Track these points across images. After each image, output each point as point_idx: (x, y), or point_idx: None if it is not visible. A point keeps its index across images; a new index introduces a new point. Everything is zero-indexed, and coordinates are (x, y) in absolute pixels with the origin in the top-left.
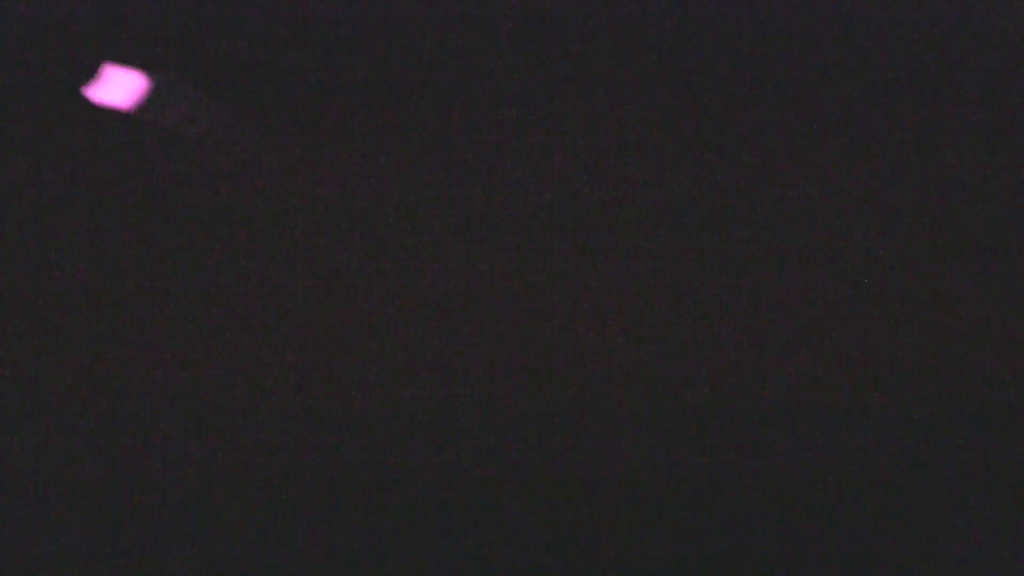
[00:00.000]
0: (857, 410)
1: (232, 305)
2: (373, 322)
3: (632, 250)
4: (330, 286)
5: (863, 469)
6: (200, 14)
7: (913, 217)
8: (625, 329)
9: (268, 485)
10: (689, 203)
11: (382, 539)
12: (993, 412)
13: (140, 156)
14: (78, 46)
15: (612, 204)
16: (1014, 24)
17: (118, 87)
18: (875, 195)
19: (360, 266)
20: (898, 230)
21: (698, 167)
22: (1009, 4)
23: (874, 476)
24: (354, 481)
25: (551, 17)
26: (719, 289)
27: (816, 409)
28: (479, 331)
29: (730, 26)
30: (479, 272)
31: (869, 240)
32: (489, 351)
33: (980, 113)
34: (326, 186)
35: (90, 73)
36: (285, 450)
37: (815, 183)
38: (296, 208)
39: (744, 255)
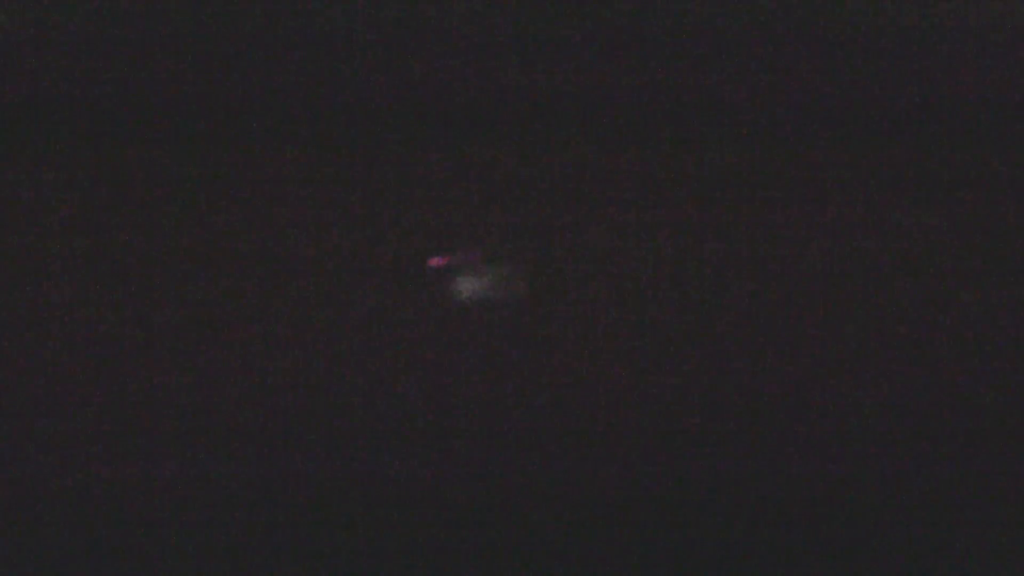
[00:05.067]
0: (856, 415)
1: (234, 307)
2: (373, 325)
3: (631, 256)
4: (330, 289)
5: (863, 473)
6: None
7: (916, 220)
8: (623, 336)
9: (268, 487)
10: (692, 207)
11: (381, 545)
12: (993, 413)
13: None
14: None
15: (613, 208)
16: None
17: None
18: (877, 200)
19: (361, 269)
20: (900, 234)
21: (700, 174)
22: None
23: (873, 479)
24: (352, 488)
25: (551, 20)
26: (719, 296)
27: (816, 417)
28: (476, 337)
29: (732, 29)
30: (477, 275)
31: (871, 246)
32: (487, 358)
33: (979, 116)
34: (328, 191)
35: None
36: (286, 453)
37: (819, 188)
38: (297, 213)
39: (746, 261)
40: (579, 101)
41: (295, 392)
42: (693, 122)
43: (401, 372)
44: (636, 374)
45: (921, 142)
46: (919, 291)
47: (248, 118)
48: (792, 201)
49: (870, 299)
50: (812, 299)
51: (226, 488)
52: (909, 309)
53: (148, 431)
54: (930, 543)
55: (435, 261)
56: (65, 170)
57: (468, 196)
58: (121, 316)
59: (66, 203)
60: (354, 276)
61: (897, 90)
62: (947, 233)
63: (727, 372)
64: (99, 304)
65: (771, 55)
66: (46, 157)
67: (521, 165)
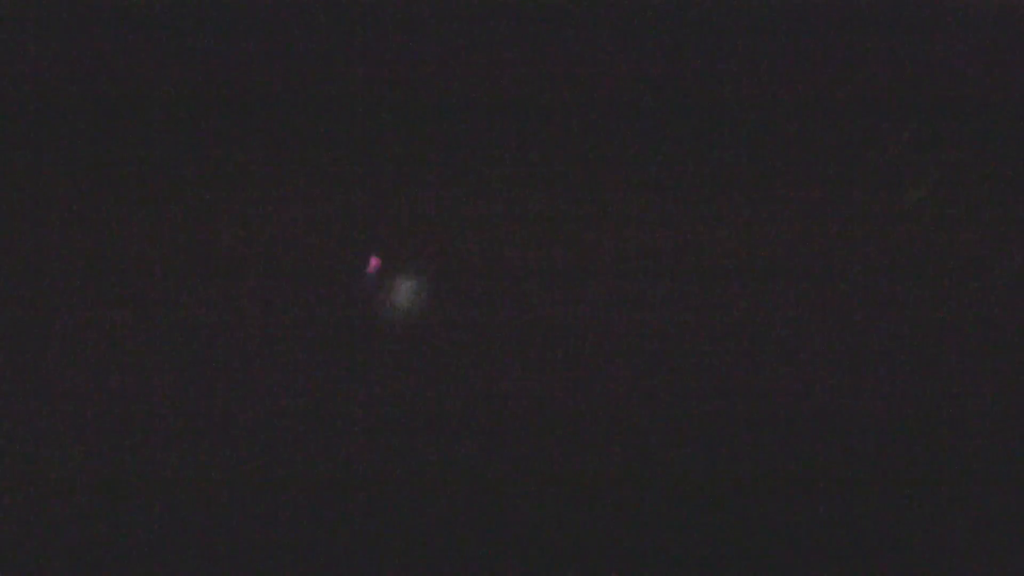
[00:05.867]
0: (860, 413)
1: (234, 305)
2: (374, 321)
3: (634, 251)
4: (329, 286)
5: (865, 472)
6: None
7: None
8: (626, 330)
9: (269, 488)
10: (692, 203)
11: (382, 540)
12: (993, 414)
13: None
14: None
15: (612, 204)
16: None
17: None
18: (877, 195)
19: (361, 265)
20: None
21: (702, 168)
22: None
23: (875, 478)
24: (354, 482)
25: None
26: (721, 290)
27: (820, 411)
28: (477, 331)
29: (732, 29)
30: (476, 270)
31: (872, 242)
32: (488, 350)
33: (979, 114)
34: (326, 188)
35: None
36: (286, 453)
37: (819, 182)
38: (296, 210)
39: (747, 255)
40: (577, 100)
41: (299, 393)
42: (694, 121)
43: (401, 370)
44: (634, 375)
45: (922, 141)
46: (919, 290)
47: (246, 116)
48: (793, 201)
49: (870, 299)
50: (812, 299)
51: (215, 488)
52: (909, 309)
53: (143, 430)
54: (930, 543)
55: (374, 263)
56: (63, 168)
57: (461, 194)
58: (118, 315)
59: (65, 202)
60: (354, 274)
61: (899, 87)
62: (947, 232)
63: (727, 373)
64: (97, 303)
65: (770, 54)
66: (45, 156)
67: (515, 165)
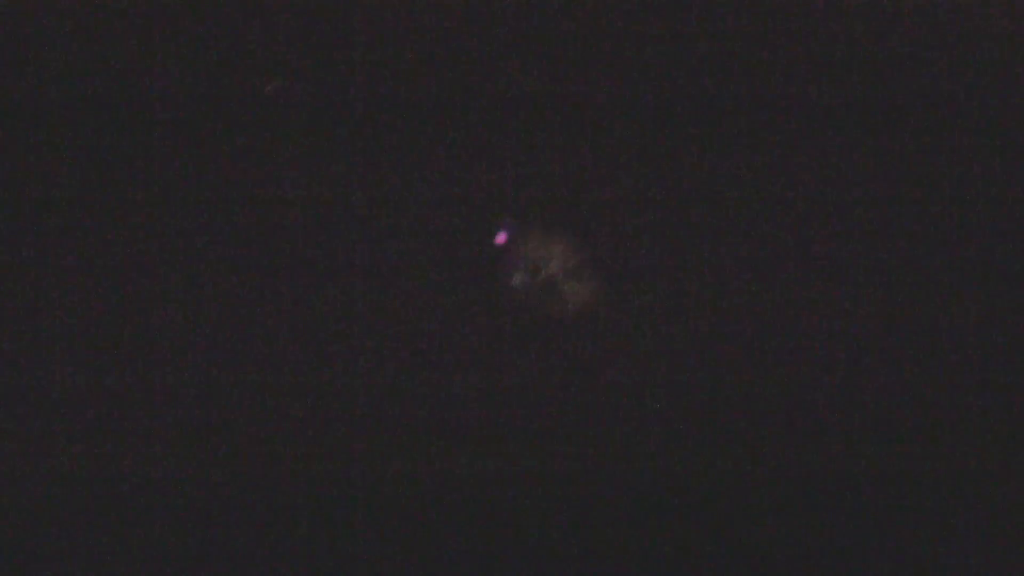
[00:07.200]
0: (857, 411)
1: (232, 305)
2: (372, 321)
3: (633, 247)
4: (329, 285)
5: (862, 471)
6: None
7: (913, 217)
8: (627, 329)
9: (269, 486)
10: (691, 202)
11: (382, 541)
12: (993, 412)
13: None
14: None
15: (611, 201)
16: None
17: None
18: (873, 194)
19: (359, 265)
20: (897, 230)
21: (701, 166)
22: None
23: (874, 477)
24: (354, 484)
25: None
26: (722, 288)
27: (817, 410)
28: (479, 331)
29: (731, 26)
30: (476, 269)
31: (868, 240)
32: (489, 349)
33: (980, 113)
34: (326, 186)
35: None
36: (285, 451)
37: (816, 182)
38: (296, 208)
39: (746, 254)
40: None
41: (301, 392)
42: (700, 121)
43: (399, 369)
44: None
45: (921, 141)
46: (918, 290)
47: (250, 116)
48: (799, 196)
49: (871, 300)
50: (815, 299)
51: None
52: (909, 309)
53: (147, 430)
54: (930, 543)
55: (500, 238)
56: (64, 168)
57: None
58: (120, 314)
59: (65, 201)
60: (352, 273)
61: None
62: (947, 232)
63: (728, 371)
64: (98, 302)
65: (770, 55)
66: (46, 155)
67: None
